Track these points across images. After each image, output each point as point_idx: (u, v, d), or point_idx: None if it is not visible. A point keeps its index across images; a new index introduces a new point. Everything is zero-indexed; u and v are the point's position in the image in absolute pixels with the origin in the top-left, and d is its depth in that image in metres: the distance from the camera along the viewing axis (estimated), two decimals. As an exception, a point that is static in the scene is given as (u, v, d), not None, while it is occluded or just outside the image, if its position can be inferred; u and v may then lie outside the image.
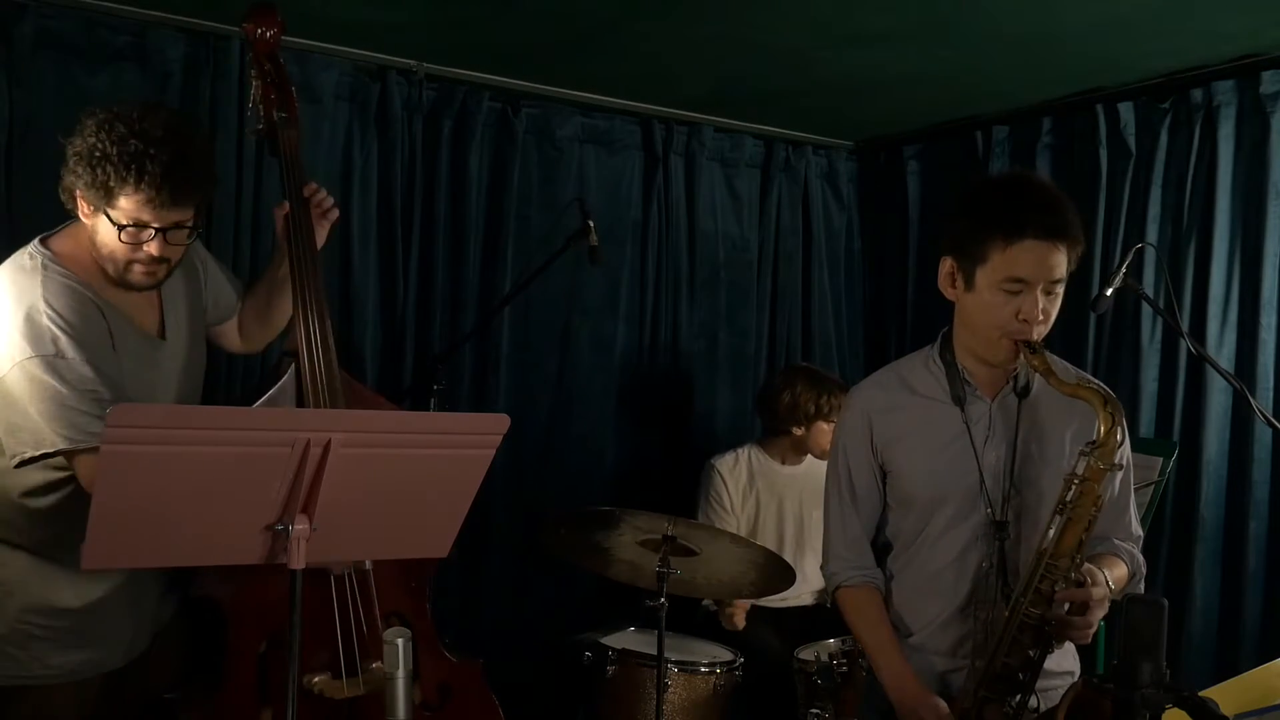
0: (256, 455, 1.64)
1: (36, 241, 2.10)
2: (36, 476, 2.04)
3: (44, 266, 2.03)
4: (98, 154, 1.95)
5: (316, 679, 2.19)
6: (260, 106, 2.41)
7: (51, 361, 1.94)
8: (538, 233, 3.76)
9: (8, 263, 2.08)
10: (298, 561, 1.72)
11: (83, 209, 2.05)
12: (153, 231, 2.00)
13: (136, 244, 2.01)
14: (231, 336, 2.49)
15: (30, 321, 1.96)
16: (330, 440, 1.66)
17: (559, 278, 3.73)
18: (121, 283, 2.08)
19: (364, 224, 3.49)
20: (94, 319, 2.04)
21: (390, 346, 3.56)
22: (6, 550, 2.11)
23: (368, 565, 2.30)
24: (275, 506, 1.71)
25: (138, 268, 2.05)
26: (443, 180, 3.62)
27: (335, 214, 2.42)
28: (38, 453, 1.97)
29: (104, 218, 2.00)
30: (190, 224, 2.07)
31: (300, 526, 1.71)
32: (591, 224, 3.17)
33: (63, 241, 2.10)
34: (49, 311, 1.97)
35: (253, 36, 2.43)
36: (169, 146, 1.97)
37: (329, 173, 3.42)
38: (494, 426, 1.80)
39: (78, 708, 2.17)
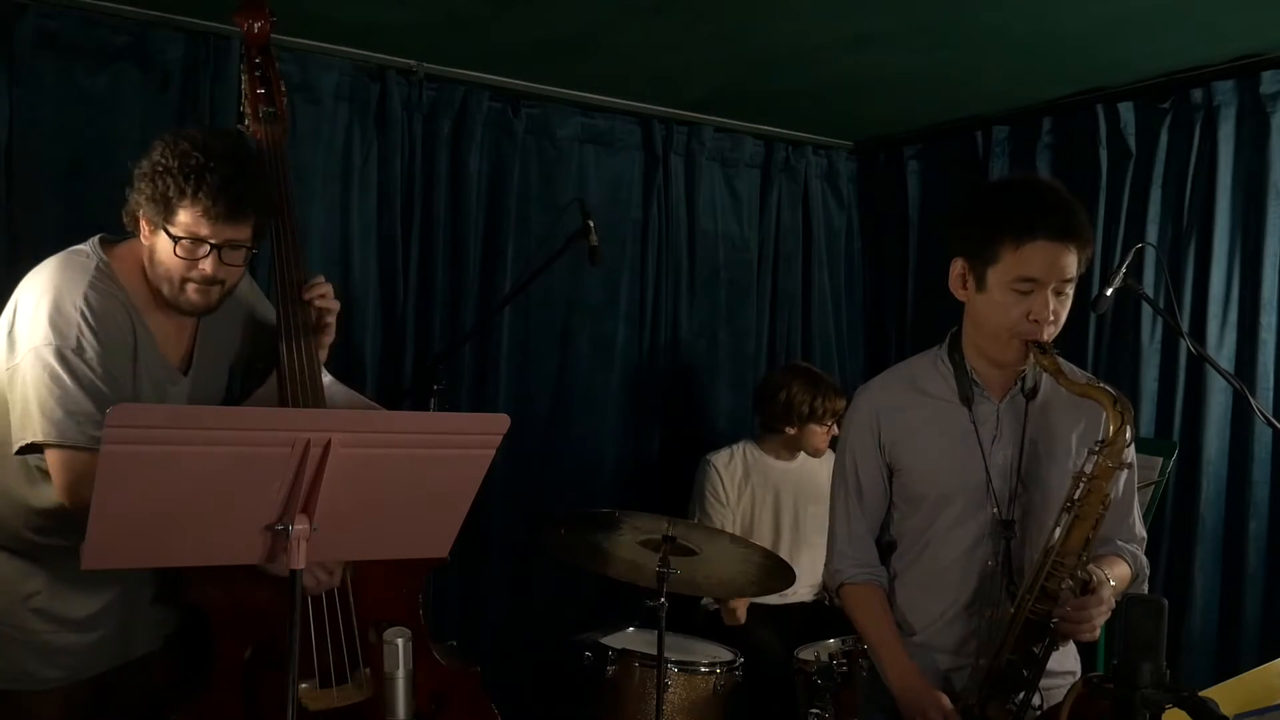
0: (257, 455, 1.64)
1: (97, 240, 2.11)
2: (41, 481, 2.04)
3: (98, 268, 2.04)
4: (160, 168, 1.98)
5: (303, 685, 2.13)
6: (246, 102, 2.38)
7: (67, 356, 1.94)
8: (538, 233, 3.76)
9: (63, 252, 2.09)
10: (298, 561, 1.72)
11: (144, 230, 2.05)
12: (208, 248, 2.01)
13: (192, 260, 2.01)
14: None
15: (61, 311, 1.97)
16: (330, 440, 1.65)
17: (559, 278, 3.73)
18: (175, 304, 2.08)
19: (364, 224, 3.49)
20: (124, 332, 2.04)
21: (390, 346, 3.56)
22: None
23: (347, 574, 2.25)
24: (275, 506, 1.71)
25: (191, 287, 2.05)
26: (443, 180, 3.62)
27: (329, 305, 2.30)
28: (21, 443, 1.96)
29: (163, 234, 2.01)
30: (246, 244, 2.06)
31: (300, 526, 1.71)
32: (591, 224, 3.16)
33: (122, 251, 2.11)
34: (84, 308, 1.98)
35: (243, 28, 2.43)
36: (229, 162, 1.99)
37: (329, 173, 3.42)
38: (494, 426, 1.79)
39: (65, 714, 2.13)
